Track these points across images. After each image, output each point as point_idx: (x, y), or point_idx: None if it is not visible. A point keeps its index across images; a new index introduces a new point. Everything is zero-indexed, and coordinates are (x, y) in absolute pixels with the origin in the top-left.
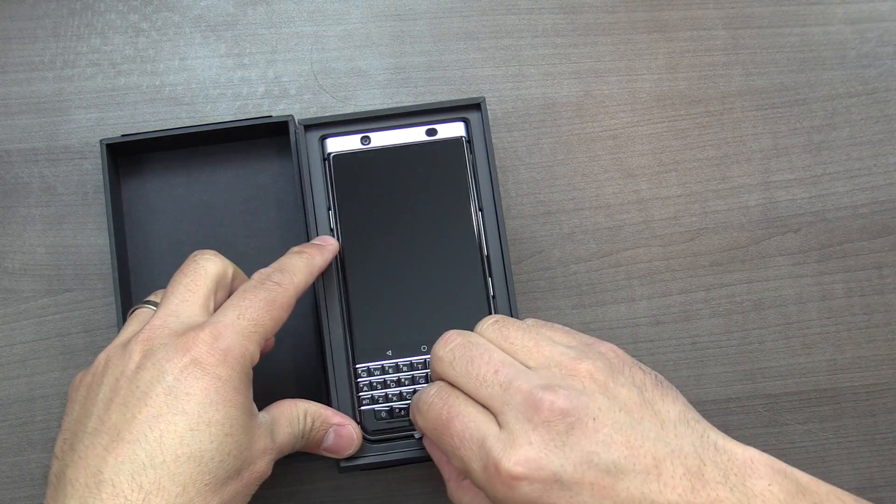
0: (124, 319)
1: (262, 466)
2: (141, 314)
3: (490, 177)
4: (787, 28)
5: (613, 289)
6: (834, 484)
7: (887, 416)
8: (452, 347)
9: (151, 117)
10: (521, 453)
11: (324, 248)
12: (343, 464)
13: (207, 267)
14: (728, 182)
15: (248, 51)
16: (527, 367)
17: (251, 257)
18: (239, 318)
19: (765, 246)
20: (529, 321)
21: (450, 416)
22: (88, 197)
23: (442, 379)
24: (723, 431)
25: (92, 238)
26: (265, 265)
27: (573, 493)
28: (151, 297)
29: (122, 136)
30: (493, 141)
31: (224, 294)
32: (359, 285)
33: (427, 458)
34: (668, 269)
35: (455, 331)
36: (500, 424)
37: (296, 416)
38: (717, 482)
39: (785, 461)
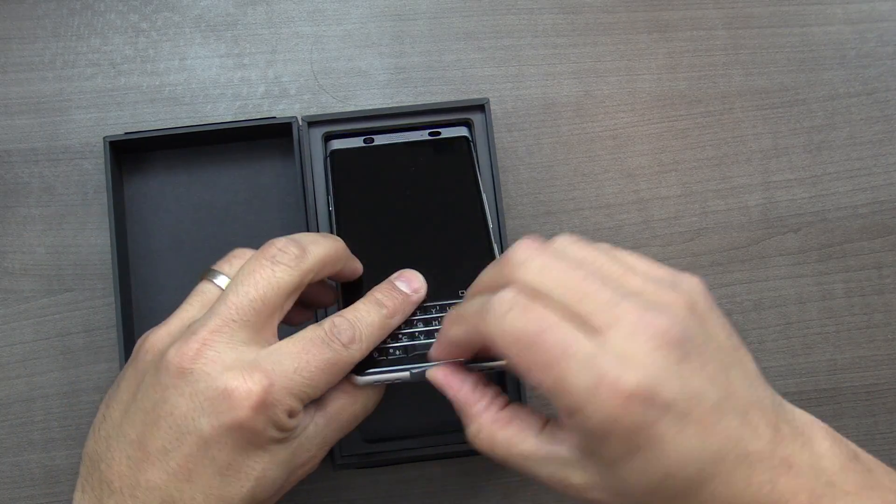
0: (124, 319)
1: (304, 472)
2: (205, 294)
3: (492, 177)
4: (787, 28)
5: None
6: None
7: (887, 416)
8: (537, 254)
9: (151, 117)
10: (642, 373)
11: (407, 301)
12: (340, 462)
13: (282, 281)
14: (728, 182)
15: (248, 51)
16: None
17: None
18: (296, 373)
19: (765, 246)
20: (604, 245)
21: (541, 328)
22: (88, 197)
23: (516, 286)
24: None
25: (92, 238)
26: None
27: (681, 425)
28: (223, 267)
29: (126, 133)
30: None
31: (292, 303)
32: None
33: (427, 459)
34: None
35: (533, 239)
36: (604, 342)
37: (353, 418)
38: (790, 438)
39: None
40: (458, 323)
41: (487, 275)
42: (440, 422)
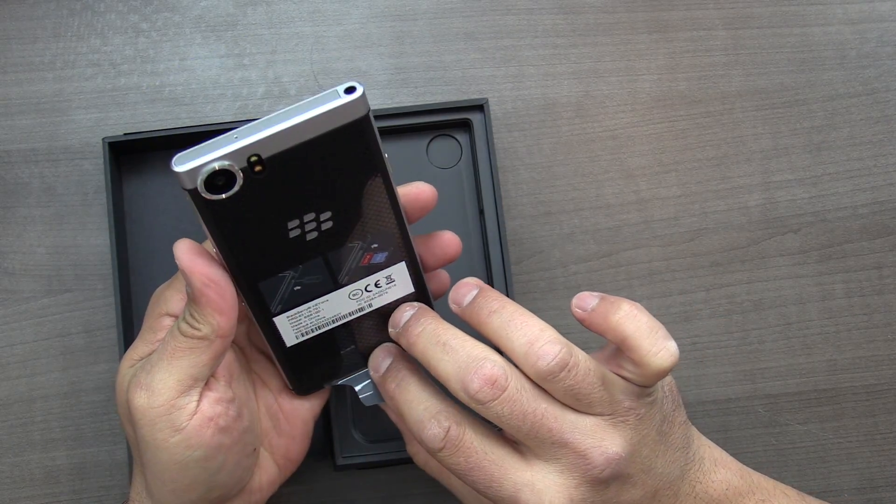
0: (124, 319)
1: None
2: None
3: (491, 177)
4: (787, 28)
5: (613, 289)
6: (833, 484)
7: (887, 416)
8: (498, 391)
9: (151, 118)
10: None
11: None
12: (340, 462)
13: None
14: (728, 182)
15: (248, 51)
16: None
17: None
18: None
19: (765, 246)
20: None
21: (468, 467)
22: (88, 197)
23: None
24: (722, 432)
25: (92, 238)
26: None
27: None
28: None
29: (125, 134)
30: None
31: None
32: None
33: None
34: (668, 270)
35: (494, 367)
36: (536, 471)
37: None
38: (686, 494)
39: (785, 461)
40: (401, 408)
41: (449, 364)
42: None
